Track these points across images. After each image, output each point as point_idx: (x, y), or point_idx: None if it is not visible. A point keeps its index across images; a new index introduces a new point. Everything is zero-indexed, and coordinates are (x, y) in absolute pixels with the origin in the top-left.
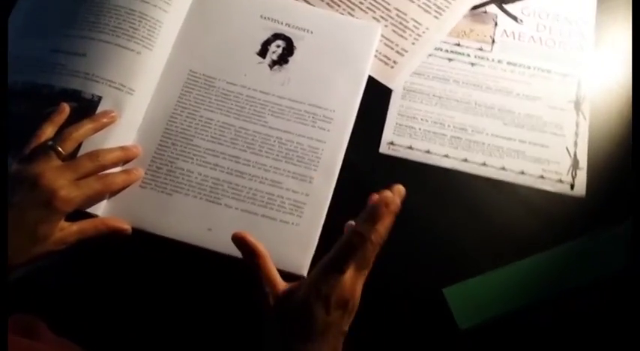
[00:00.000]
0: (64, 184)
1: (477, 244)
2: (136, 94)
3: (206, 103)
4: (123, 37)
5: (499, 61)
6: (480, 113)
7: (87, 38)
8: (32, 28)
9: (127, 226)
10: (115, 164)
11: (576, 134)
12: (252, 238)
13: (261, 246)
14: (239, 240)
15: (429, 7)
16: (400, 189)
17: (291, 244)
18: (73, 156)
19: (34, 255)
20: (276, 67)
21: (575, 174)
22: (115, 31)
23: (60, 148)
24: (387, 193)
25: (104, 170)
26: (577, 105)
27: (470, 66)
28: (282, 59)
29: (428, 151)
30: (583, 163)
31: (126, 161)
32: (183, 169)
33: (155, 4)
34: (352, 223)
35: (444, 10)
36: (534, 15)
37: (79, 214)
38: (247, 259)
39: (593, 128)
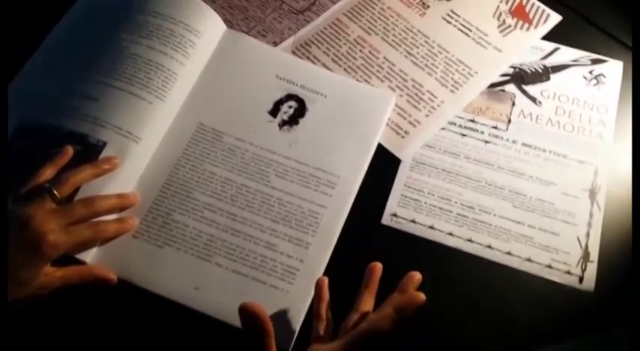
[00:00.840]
0: (53, 229)
1: (477, 330)
2: (142, 142)
3: (211, 156)
4: (137, 85)
5: (514, 142)
6: (490, 193)
7: (102, 83)
8: (51, 68)
9: (112, 277)
10: (110, 212)
11: (589, 225)
12: (263, 311)
13: (270, 323)
14: (248, 312)
15: (446, 81)
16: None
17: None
18: (69, 199)
19: (14, 298)
20: (285, 127)
21: (585, 267)
22: (130, 80)
23: (55, 192)
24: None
25: (98, 217)
26: (592, 194)
27: (483, 143)
28: (293, 120)
29: (432, 227)
30: (594, 255)
31: (122, 209)
32: (179, 222)
33: (173, 57)
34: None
35: (461, 85)
36: (554, 98)
37: (66, 258)
38: (253, 335)
39: (607, 220)
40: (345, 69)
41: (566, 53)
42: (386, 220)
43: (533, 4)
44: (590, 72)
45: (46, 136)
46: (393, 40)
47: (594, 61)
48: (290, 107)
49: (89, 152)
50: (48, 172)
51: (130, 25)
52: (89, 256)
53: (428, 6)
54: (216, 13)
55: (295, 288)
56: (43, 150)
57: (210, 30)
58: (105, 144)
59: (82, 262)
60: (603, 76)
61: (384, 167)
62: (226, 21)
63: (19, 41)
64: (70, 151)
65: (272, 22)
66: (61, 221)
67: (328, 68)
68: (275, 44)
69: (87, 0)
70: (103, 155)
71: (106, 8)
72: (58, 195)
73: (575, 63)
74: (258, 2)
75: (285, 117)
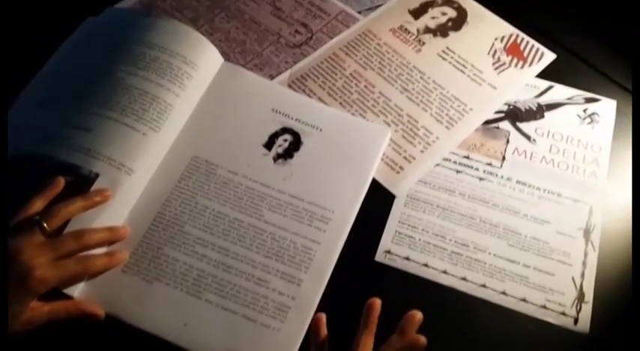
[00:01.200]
0: (41, 263)
1: None
2: (135, 174)
3: (204, 189)
4: (131, 116)
5: (508, 179)
6: (484, 230)
7: (96, 114)
8: (46, 98)
9: (100, 312)
10: (99, 245)
11: (584, 265)
12: None
13: None
14: None
15: (442, 117)
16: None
17: None
18: (59, 231)
19: None
20: (280, 160)
21: (580, 308)
22: (124, 111)
23: (45, 224)
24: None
25: (87, 250)
26: (587, 233)
27: (478, 180)
28: (288, 154)
29: (426, 265)
30: (589, 296)
31: (112, 243)
32: (169, 257)
33: (169, 89)
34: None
35: (456, 122)
36: (548, 136)
37: (53, 292)
38: None
39: (602, 260)
40: (340, 103)
41: (560, 91)
42: (380, 256)
43: (527, 43)
44: (584, 110)
45: (37, 166)
46: (388, 76)
47: (588, 100)
48: (285, 141)
49: (81, 184)
50: (38, 204)
51: (127, 56)
52: (77, 290)
53: (424, 43)
54: (213, 46)
55: (287, 327)
56: (34, 180)
57: (207, 62)
58: (97, 175)
59: (69, 297)
60: (597, 114)
61: (378, 203)
62: (224, 54)
63: (17, 68)
64: (61, 182)
65: (269, 55)
66: (49, 255)
67: (324, 102)
68: (271, 77)
69: (85, 29)
70: (95, 187)
71: (104, 38)
72: (47, 228)
73: (570, 101)
74: (255, 36)
75: (280, 150)
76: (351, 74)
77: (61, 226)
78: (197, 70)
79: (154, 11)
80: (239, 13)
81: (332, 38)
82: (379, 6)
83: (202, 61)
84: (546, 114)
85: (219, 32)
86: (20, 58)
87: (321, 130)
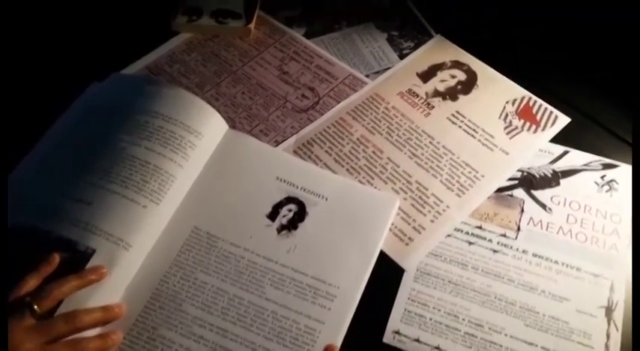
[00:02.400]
0: (30, 349)
1: None
2: (133, 249)
3: (204, 264)
4: (132, 189)
5: (524, 252)
6: (500, 309)
7: (96, 186)
8: (46, 168)
9: None
10: (92, 326)
11: (606, 347)
12: None
13: None
14: None
15: (452, 185)
16: None
17: None
18: (51, 311)
19: None
20: (284, 232)
21: None
22: (124, 182)
23: (36, 306)
24: None
25: (80, 333)
26: (608, 312)
27: (491, 253)
28: (292, 224)
29: (437, 348)
30: None
31: (106, 323)
32: (165, 338)
33: (172, 159)
34: None
35: (467, 189)
36: (565, 204)
37: None
38: None
39: (626, 341)
40: (347, 169)
41: (576, 157)
42: (388, 338)
43: (540, 106)
44: (602, 177)
45: (33, 240)
46: (397, 140)
47: (605, 166)
48: (289, 211)
49: (77, 260)
50: (31, 283)
51: (130, 126)
52: None
53: (433, 106)
54: (218, 114)
55: None
56: (29, 255)
57: (211, 130)
58: (94, 251)
59: None
60: (615, 182)
61: (386, 277)
62: (229, 119)
63: (20, 133)
64: (56, 259)
65: (275, 120)
66: (39, 340)
67: (330, 168)
68: (277, 143)
69: (90, 95)
70: (90, 263)
71: (107, 106)
72: (38, 310)
73: (586, 168)
74: (262, 101)
75: (284, 221)
76: (358, 139)
77: (54, 307)
78: (201, 139)
79: (160, 78)
80: (245, 77)
81: (339, 102)
82: (387, 69)
83: (206, 130)
84: (562, 181)
85: (225, 97)
86: (24, 122)
87: (326, 199)
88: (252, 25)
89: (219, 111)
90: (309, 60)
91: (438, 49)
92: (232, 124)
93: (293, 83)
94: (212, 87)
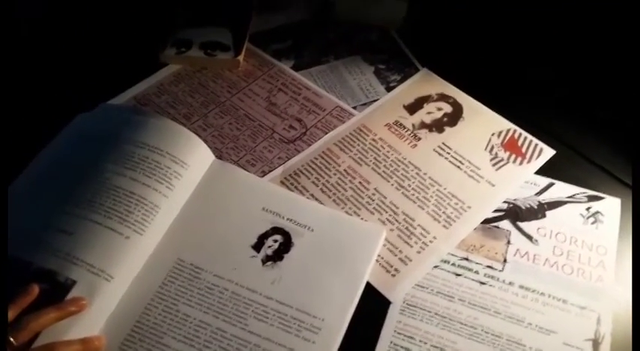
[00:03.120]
0: None
1: None
2: (114, 280)
3: (187, 296)
4: (115, 219)
5: (510, 284)
6: (487, 342)
7: (79, 217)
8: (30, 198)
9: None
10: None
11: None
12: None
13: None
14: None
15: (439, 216)
16: None
17: None
18: (29, 343)
19: None
20: (269, 263)
21: None
22: (108, 213)
23: (12, 339)
24: None
25: None
26: (595, 345)
27: (478, 285)
28: (277, 255)
29: None
30: None
31: None
32: None
33: (156, 189)
34: None
35: (454, 221)
36: (551, 236)
37: None
38: None
39: None
40: (334, 200)
41: (561, 189)
42: None
43: (525, 138)
44: (588, 209)
45: (13, 270)
46: (384, 172)
47: (591, 198)
48: (275, 241)
49: (56, 291)
50: (9, 314)
51: (116, 156)
52: None
53: (419, 138)
54: (205, 145)
55: None
56: (7, 287)
57: (197, 161)
58: (74, 283)
59: None
60: (601, 214)
61: (372, 310)
62: (216, 149)
63: (6, 162)
64: (35, 290)
65: (262, 151)
66: None
67: (317, 199)
68: (264, 173)
69: (77, 125)
70: (70, 295)
71: (94, 135)
72: (15, 343)
73: (572, 199)
74: (249, 131)
75: (270, 252)
76: (345, 170)
77: (31, 339)
78: (187, 169)
79: (147, 109)
80: (233, 108)
81: (326, 133)
82: (374, 101)
83: (192, 160)
84: (548, 213)
85: (213, 128)
86: (11, 151)
87: (312, 230)
88: (240, 57)
89: (206, 141)
90: (297, 92)
91: (424, 82)
92: (219, 155)
93: (280, 114)
94: (199, 118)
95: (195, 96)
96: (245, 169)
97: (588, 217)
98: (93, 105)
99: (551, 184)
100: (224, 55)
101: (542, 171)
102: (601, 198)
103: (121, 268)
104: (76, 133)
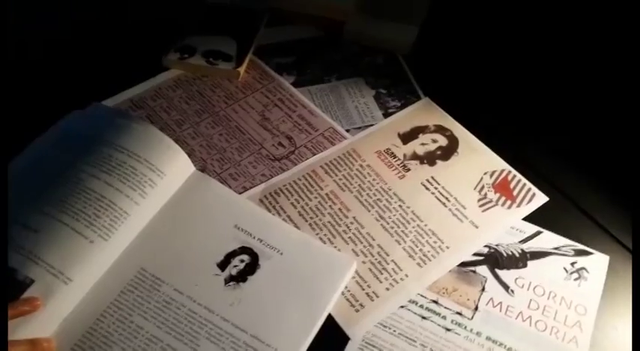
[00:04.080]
0: None
1: None
2: (72, 284)
3: (143, 307)
4: (82, 222)
5: (477, 334)
6: None
7: (48, 215)
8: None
9: None
10: None
11: None
12: None
13: None
14: None
15: (415, 253)
16: None
17: None
18: None
19: None
20: (232, 283)
21: None
22: (76, 214)
23: None
24: None
25: None
26: None
27: (443, 331)
28: (241, 276)
29: None
30: None
31: None
32: None
33: (128, 195)
34: None
35: (429, 260)
36: (529, 288)
37: None
38: None
39: None
40: (310, 224)
41: (548, 239)
42: None
43: (519, 181)
44: (572, 264)
45: None
46: (366, 200)
47: (578, 253)
48: (242, 261)
49: (14, 290)
50: None
51: (94, 158)
52: None
53: (409, 169)
54: (185, 155)
55: None
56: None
57: (175, 171)
58: (32, 282)
59: None
60: (586, 270)
61: (329, 344)
62: (201, 159)
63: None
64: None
65: (247, 165)
66: None
67: (293, 221)
68: (244, 189)
69: (64, 123)
70: (27, 294)
71: (77, 134)
72: None
73: (557, 251)
74: (238, 145)
75: (234, 272)
76: (327, 194)
77: None
78: (163, 178)
79: (133, 112)
80: (226, 119)
81: (315, 154)
82: (369, 126)
83: (170, 169)
84: (529, 263)
85: (202, 137)
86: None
87: (282, 253)
88: (241, 69)
89: (193, 150)
90: (293, 108)
91: (424, 112)
92: (203, 166)
93: (272, 130)
94: (191, 125)
95: (191, 103)
96: (226, 183)
97: (572, 273)
98: (90, 103)
99: (538, 233)
100: (225, 64)
101: (531, 218)
102: (589, 253)
103: (81, 272)
104: (63, 130)
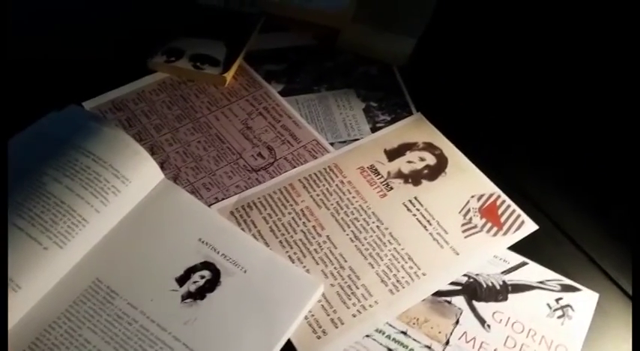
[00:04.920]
0: None
1: None
2: (22, 291)
3: (94, 320)
4: (38, 227)
5: None
6: None
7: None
8: None
9: None
10: None
11: None
12: None
13: None
14: None
15: (388, 278)
16: None
17: None
18: None
19: None
20: (189, 300)
21: None
22: (33, 219)
23: None
24: None
25: None
26: None
27: None
28: (200, 293)
29: None
30: None
31: None
32: None
33: (89, 202)
34: None
35: (403, 286)
36: (507, 324)
37: None
38: None
39: None
40: (280, 241)
41: (533, 271)
42: None
43: (508, 207)
44: (557, 300)
45: None
46: (342, 219)
47: (565, 288)
48: (202, 277)
49: None
50: None
51: (59, 161)
52: None
53: (391, 188)
54: (154, 162)
55: None
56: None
57: (142, 179)
58: None
59: None
60: (571, 308)
61: None
62: (175, 167)
63: None
64: None
65: (222, 175)
66: None
67: (263, 237)
68: (217, 200)
69: (39, 124)
70: None
71: (50, 136)
72: None
73: (542, 285)
74: (215, 153)
75: (193, 288)
76: (302, 210)
77: None
78: (127, 186)
79: (116, 115)
80: (206, 126)
81: (294, 167)
82: (355, 140)
83: (136, 177)
84: (510, 296)
85: (179, 143)
86: None
87: (245, 271)
88: (228, 74)
89: (168, 157)
90: (277, 118)
91: (414, 128)
92: (176, 173)
93: (253, 140)
94: (169, 131)
95: (173, 108)
96: (198, 193)
97: (556, 309)
98: (72, 103)
99: (523, 264)
100: (212, 69)
101: (517, 247)
102: (576, 289)
103: (32, 280)
104: (36, 131)
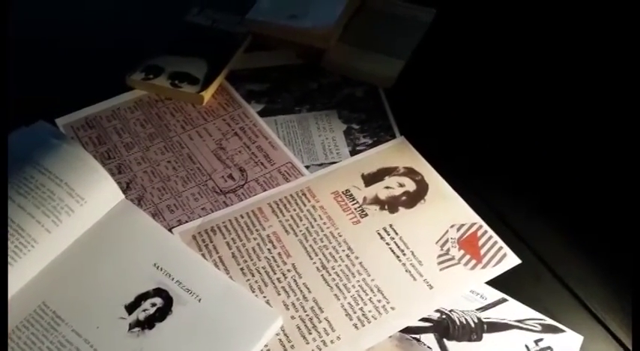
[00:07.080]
0: None
1: None
2: None
3: (36, 347)
4: None
5: None
6: None
7: None
8: None
9: None
10: None
11: None
12: None
13: None
14: None
15: (353, 312)
16: None
17: None
18: None
19: None
20: (136, 329)
21: None
22: None
23: None
24: None
25: None
26: None
27: None
28: (148, 323)
29: None
30: None
31: None
32: None
33: (40, 221)
34: None
35: (369, 321)
36: None
37: None
38: None
39: None
40: (242, 269)
41: (512, 309)
42: None
43: (489, 238)
44: (537, 341)
45: None
46: (310, 246)
47: (546, 328)
48: (153, 305)
49: None
50: None
51: (16, 177)
52: None
53: (366, 214)
54: (113, 182)
55: None
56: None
57: (99, 199)
58: None
59: None
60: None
61: None
62: (141, 187)
63: None
64: None
65: (188, 197)
66: None
67: (223, 264)
68: (179, 223)
69: (10, 139)
70: None
71: (12, 151)
72: None
73: (520, 325)
74: (184, 174)
75: (142, 316)
76: (268, 236)
77: None
78: (82, 206)
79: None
80: (179, 146)
81: (265, 190)
82: (333, 163)
83: (93, 197)
84: (485, 335)
85: (148, 163)
86: None
87: (200, 300)
88: (205, 93)
89: (135, 176)
90: (253, 139)
91: (396, 152)
92: (142, 194)
93: (225, 161)
94: (140, 150)
95: (147, 126)
96: (161, 215)
97: None
98: (49, 118)
99: (502, 300)
100: (190, 88)
101: (496, 282)
102: (559, 330)
103: None
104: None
